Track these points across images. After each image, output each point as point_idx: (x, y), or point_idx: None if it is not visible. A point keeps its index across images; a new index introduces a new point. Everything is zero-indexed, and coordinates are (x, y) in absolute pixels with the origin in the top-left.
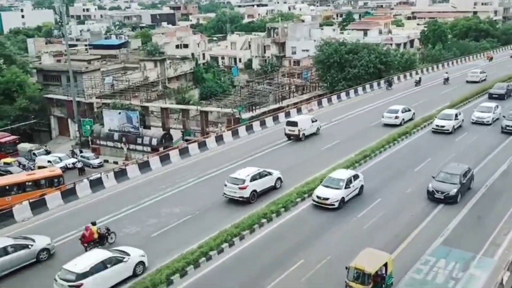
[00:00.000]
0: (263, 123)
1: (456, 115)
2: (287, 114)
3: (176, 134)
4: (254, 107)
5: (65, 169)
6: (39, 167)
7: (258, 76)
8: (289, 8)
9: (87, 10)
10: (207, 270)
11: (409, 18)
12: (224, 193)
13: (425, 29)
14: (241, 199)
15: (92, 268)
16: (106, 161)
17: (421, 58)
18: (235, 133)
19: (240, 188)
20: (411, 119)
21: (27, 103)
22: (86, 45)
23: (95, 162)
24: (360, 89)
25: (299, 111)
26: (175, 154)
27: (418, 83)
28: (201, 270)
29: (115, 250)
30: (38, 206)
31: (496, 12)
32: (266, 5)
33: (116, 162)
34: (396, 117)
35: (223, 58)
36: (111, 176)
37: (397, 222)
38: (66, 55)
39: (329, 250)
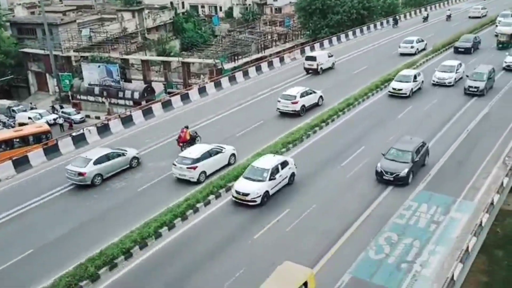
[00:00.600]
0: (246, 74)
1: (415, 76)
2: (270, 64)
3: (158, 87)
4: (236, 57)
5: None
6: (20, 124)
7: (239, 25)
8: None
9: None
10: (195, 222)
11: None
12: (278, 108)
13: None
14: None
15: (202, 155)
16: (88, 116)
17: (404, 2)
18: (218, 85)
19: (292, 103)
20: (424, 49)
21: (2, 58)
22: None
23: (77, 117)
24: (355, 32)
25: (282, 60)
26: (158, 107)
27: (425, 19)
28: (188, 222)
29: (214, 145)
30: (22, 163)
31: None
32: None
33: (98, 117)
34: (412, 47)
35: (203, 6)
36: (93, 132)
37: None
38: (40, 6)
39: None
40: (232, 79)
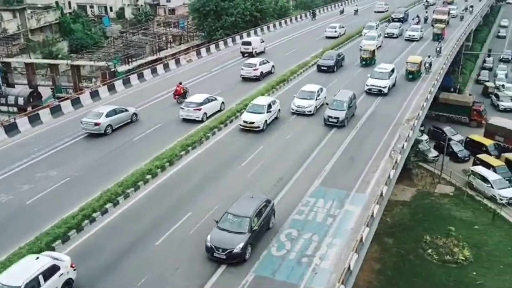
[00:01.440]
0: (141, 76)
1: (269, 105)
2: (166, 66)
3: (45, 92)
4: (130, 60)
5: None
6: None
7: (132, 26)
8: None
9: None
10: (92, 233)
11: None
12: (242, 75)
13: None
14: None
15: (204, 101)
16: None
17: (295, 5)
18: (111, 88)
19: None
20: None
21: None
22: None
23: None
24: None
25: (178, 62)
26: (46, 113)
27: (342, 12)
28: (84, 233)
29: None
30: None
31: None
32: None
33: None
34: (335, 31)
35: (92, 6)
36: None
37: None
38: None
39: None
40: (127, 82)
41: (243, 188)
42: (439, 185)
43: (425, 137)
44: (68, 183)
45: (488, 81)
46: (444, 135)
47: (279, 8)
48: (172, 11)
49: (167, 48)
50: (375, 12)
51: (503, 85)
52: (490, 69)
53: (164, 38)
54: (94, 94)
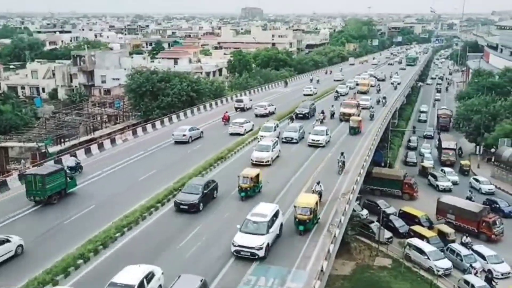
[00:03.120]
0: (73, 156)
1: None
2: (100, 146)
3: None
4: (62, 140)
5: None
6: None
7: (65, 107)
8: (96, 36)
9: None
10: None
11: (216, 48)
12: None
13: (231, 58)
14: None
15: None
16: None
17: (230, 85)
18: None
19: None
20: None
21: None
22: None
23: None
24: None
25: (113, 141)
26: None
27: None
28: None
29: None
30: None
31: (291, 44)
32: (70, 31)
33: None
34: (311, 90)
35: (23, 88)
36: None
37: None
38: None
39: None
40: (58, 162)
41: (180, 269)
42: (377, 258)
43: (365, 211)
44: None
45: (415, 162)
46: (378, 207)
47: (215, 89)
48: (108, 91)
49: (102, 128)
50: (334, 80)
51: (443, 170)
52: (415, 148)
53: (99, 118)
54: (22, 177)
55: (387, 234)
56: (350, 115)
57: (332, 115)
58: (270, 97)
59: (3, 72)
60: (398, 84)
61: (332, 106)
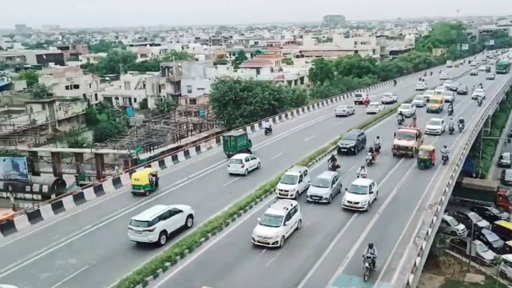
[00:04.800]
0: (162, 163)
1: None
2: (186, 153)
3: (69, 179)
4: (152, 147)
5: None
6: None
7: (154, 116)
8: (183, 48)
9: None
10: None
11: (297, 56)
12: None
13: (313, 66)
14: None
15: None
16: None
17: (312, 94)
18: None
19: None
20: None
21: None
22: None
23: None
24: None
25: (198, 149)
26: (69, 200)
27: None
28: None
29: None
30: None
31: (374, 50)
32: (159, 44)
33: None
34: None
35: (117, 98)
36: None
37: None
38: None
39: None
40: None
41: (262, 277)
42: (468, 273)
43: (461, 226)
44: (86, 271)
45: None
46: (469, 220)
47: (296, 97)
48: (193, 101)
49: (187, 136)
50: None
51: None
52: (508, 166)
53: (185, 127)
54: (116, 181)
55: (490, 255)
56: (407, 148)
57: (377, 150)
58: (308, 123)
59: (100, 84)
60: (483, 99)
61: (378, 137)
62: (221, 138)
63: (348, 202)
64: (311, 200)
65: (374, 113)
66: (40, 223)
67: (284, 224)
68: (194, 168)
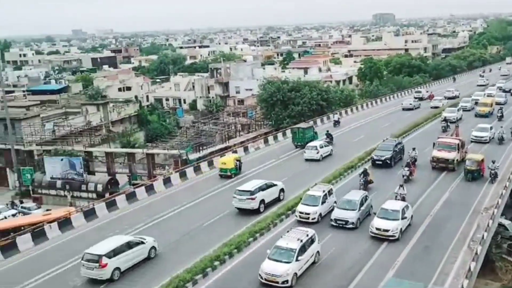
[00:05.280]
0: (211, 163)
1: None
2: (235, 153)
3: (122, 179)
4: (201, 148)
5: None
6: None
7: (203, 117)
8: (231, 49)
9: (24, 55)
10: None
11: (346, 56)
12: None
13: (362, 66)
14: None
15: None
16: (48, 210)
17: (360, 94)
18: (183, 175)
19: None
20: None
21: None
22: (24, 91)
23: (37, 212)
24: None
25: (246, 150)
26: (122, 199)
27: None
28: None
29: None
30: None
31: (426, 48)
32: (207, 46)
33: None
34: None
35: (167, 99)
36: (54, 226)
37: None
38: (3, 102)
39: None
40: (197, 169)
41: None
42: None
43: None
44: (139, 267)
45: None
46: None
47: (345, 97)
48: (241, 101)
49: (236, 137)
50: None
51: None
52: None
53: (233, 127)
54: (167, 181)
55: None
56: (447, 161)
57: (414, 163)
58: (382, 113)
59: (151, 86)
60: None
61: (414, 149)
62: (289, 131)
63: (377, 229)
64: (335, 224)
65: (437, 107)
66: (95, 220)
67: (297, 260)
68: (266, 157)
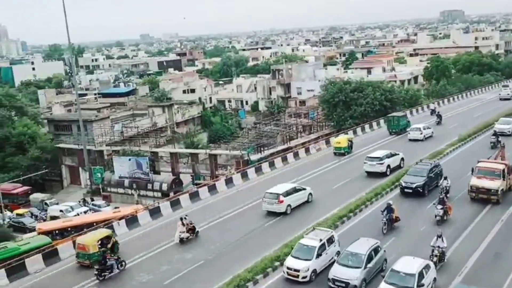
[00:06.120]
0: (272, 164)
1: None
2: (296, 155)
3: (186, 179)
4: (262, 148)
5: None
6: (52, 218)
7: (265, 118)
8: (293, 50)
9: (96, 60)
10: None
11: (411, 55)
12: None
13: (428, 65)
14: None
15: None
16: (117, 208)
17: (426, 94)
18: (244, 175)
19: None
20: None
21: (39, 153)
22: (95, 94)
23: (106, 209)
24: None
25: (307, 151)
26: (185, 198)
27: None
28: None
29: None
30: (51, 256)
31: (498, 46)
32: (269, 47)
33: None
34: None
35: (229, 101)
36: (122, 223)
37: None
38: (76, 104)
39: None
40: (259, 169)
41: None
42: None
43: None
44: (201, 266)
45: None
46: None
47: (410, 97)
48: (303, 102)
49: (297, 138)
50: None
51: None
52: None
53: (294, 128)
54: (229, 181)
55: None
56: (489, 192)
57: (446, 194)
58: (472, 105)
59: (214, 87)
60: None
61: (445, 178)
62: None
63: None
64: (333, 286)
65: (507, 99)
66: (160, 219)
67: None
68: (304, 169)
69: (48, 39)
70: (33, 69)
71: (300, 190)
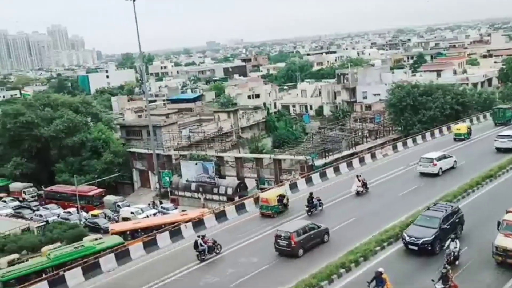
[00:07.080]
0: (337, 170)
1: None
2: (361, 160)
3: (250, 183)
4: (327, 154)
5: None
6: (123, 219)
7: (329, 123)
8: (358, 54)
9: (165, 67)
10: None
11: (484, 56)
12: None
13: (504, 66)
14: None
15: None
16: (184, 211)
17: (501, 97)
18: (309, 180)
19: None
20: None
21: (111, 157)
22: (164, 100)
23: (174, 212)
24: None
25: (373, 156)
26: (250, 203)
27: None
28: None
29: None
30: (122, 256)
31: None
32: (334, 52)
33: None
34: None
35: (294, 106)
36: (189, 226)
37: None
38: (146, 110)
39: None
40: (323, 175)
41: None
42: None
43: None
44: (266, 270)
45: None
46: None
47: (483, 100)
48: (369, 107)
49: (363, 143)
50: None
51: None
52: None
53: (360, 133)
54: (293, 186)
55: None
56: None
57: (455, 260)
58: None
59: (278, 93)
60: None
61: (453, 240)
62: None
63: None
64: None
65: None
66: (225, 222)
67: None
68: (369, 175)
69: (121, 48)
70: (107, 77)
71: (448, 157)
